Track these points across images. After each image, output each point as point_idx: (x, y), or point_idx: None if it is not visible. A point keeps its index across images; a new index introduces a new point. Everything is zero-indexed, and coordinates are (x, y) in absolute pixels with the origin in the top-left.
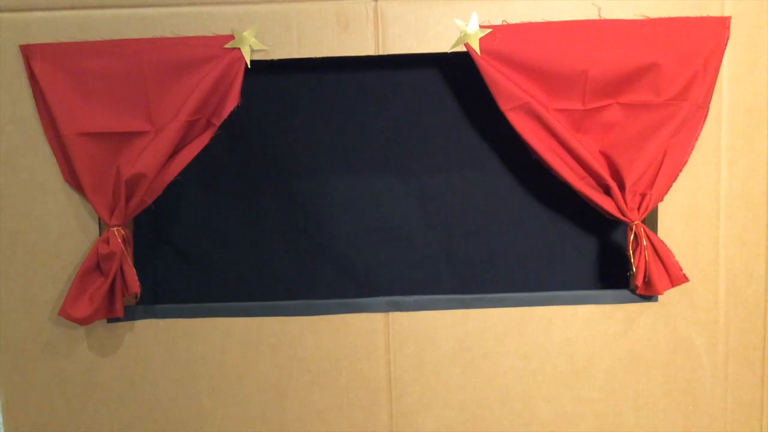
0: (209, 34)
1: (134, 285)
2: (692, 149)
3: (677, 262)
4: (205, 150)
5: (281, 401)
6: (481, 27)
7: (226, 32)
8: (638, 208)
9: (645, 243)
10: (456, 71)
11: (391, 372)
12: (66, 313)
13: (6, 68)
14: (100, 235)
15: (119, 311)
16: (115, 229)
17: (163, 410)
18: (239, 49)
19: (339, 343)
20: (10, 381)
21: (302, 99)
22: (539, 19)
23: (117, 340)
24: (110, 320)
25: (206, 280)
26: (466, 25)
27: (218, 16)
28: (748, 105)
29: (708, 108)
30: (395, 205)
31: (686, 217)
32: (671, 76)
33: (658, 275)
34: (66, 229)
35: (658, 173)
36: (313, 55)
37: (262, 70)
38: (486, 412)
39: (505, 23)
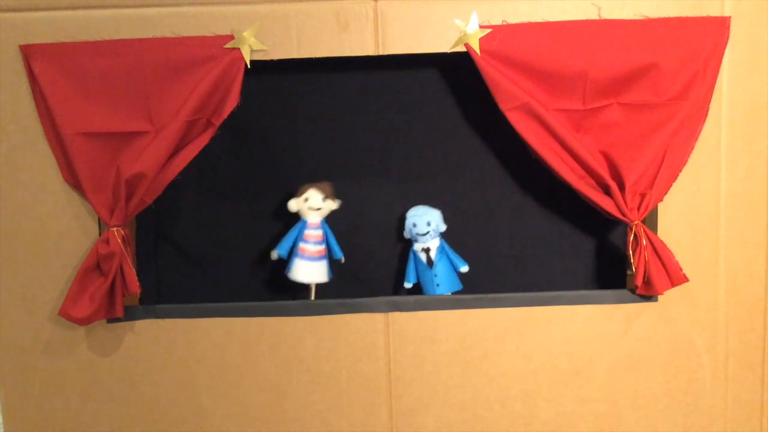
0: (209, 34)
1: (134, 285)
2: (692, 149)
3: (677, 262)
4: (205, 150)
5: (281, 401)
6: (481, 27)
7: (226, 32)
8: (638, 208)
9: (645, 243)
10: (456, 71)
11: (391, 372)
12: (66, 313)
13: (6, 68)
14: (100, 235)
15: (119, 311)
16: (115, 229)
17: (163, 410)
18: (239, 49)
19: (339, 343)
20: (10, 381)
21: (302, 99)
22: (539, 19)
23: (117, 340)
24: (110, 320)
25: (207, 279)
26: (466, 25)
27: (218, 16)
28: (748, 105)
29: (708, 108)
30: (395, 204)
31: (686, 217)
32: (671, 76)
33: (657, 275)
34: (66, 229)
35: (658, 173)
36: (312, 55)
37: (262, 70)
38: (486, 411)
39: (505, 23)
